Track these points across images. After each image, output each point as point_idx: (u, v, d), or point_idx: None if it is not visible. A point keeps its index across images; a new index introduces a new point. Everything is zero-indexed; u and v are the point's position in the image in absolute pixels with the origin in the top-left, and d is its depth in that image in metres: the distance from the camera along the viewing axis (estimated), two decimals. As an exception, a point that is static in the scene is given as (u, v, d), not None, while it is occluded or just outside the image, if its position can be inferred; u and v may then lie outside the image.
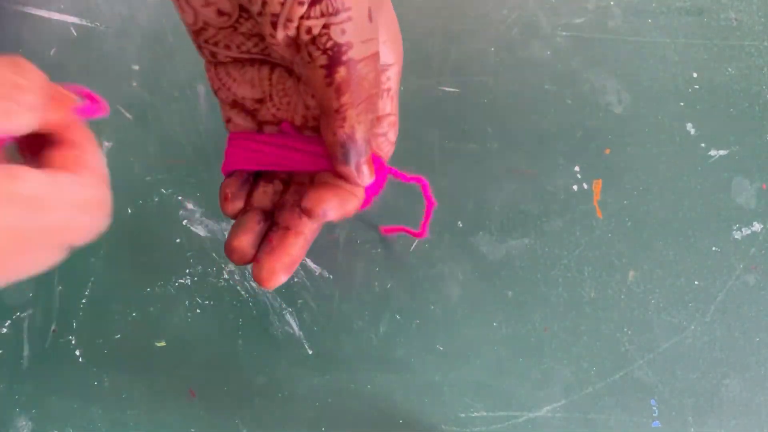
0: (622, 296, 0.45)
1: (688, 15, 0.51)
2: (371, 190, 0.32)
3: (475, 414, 0.43)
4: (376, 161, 0.31)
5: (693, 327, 0.45)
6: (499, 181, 0.47)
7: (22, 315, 0.45)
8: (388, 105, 0.29)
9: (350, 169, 0.28)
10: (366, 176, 0.28)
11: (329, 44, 0.25)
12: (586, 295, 0.45)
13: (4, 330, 0.45)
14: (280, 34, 0.26)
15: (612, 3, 0.51)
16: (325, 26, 0.25)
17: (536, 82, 0.49)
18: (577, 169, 0.47)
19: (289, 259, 0.30)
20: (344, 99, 0.26)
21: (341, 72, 0.26)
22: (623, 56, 0.50)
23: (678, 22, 0.50)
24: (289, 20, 0.25)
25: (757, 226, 0.47)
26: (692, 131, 0.48)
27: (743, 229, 0.47)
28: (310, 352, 0.44)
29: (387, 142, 0.31)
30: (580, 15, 0.51)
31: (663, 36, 0.50)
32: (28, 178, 0.23)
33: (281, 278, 0.30)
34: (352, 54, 0.25)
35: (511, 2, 0.51)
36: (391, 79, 0.28)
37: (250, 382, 0.44)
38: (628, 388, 0.44)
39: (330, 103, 0.27)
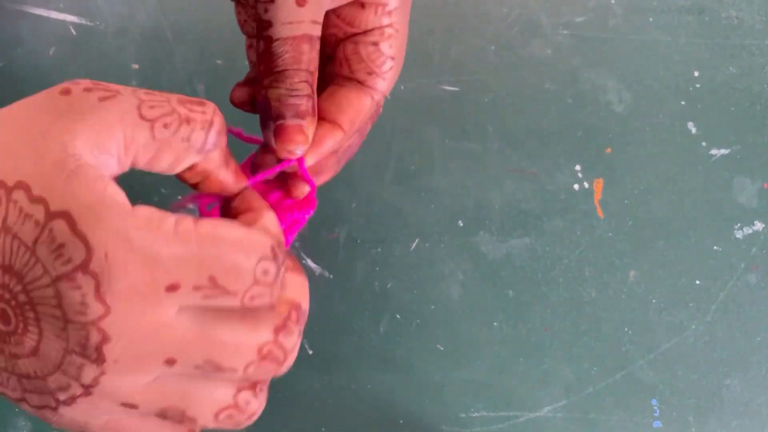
0: (623, 296, 0.45)
1: (689, 13, 0.50)
2: (301, 209, 0.33)
3: (475, 414, 0.43)
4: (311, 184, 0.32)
5: (694, 327, 0.45)
6: (499, 180, 0.47)
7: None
8: (381, 18, 0.31)
9: (268, 133, 0.30)
10: (283, 141, 0.30)
11: (256, 17, 0.29)
12: (587, 294, 0.45)
13: (4, 330, 0.45)
14: None
15: (613, 1, 0.51)
16: (255, 1, 0.28)
17: (537, 81, 0.49)
18: (577, 168, 0.47)
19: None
20: (261, 67, 0.30)
21: (260, 44, 0.29)
22: (624, 55, 0.50)
23: (679, 21, 0.50)
24: None
25: (758, 226, 0.46)
26: (693, 130, 0.48)
27: (744, 229, 0.46)
28: (310, 352, 0.44)
29: (378, 53, 0.32)
30: (581, 13, 0.50)
31: (664, 35, 0.50)
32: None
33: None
34: (270, 32, 0.29)
35: (512, 0, 0.51)
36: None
37: (250, 382, 0.44)
38: (628, 388, 0.44)
39: (256, 67, 0.30)
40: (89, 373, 0.22)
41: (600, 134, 0.48)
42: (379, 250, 0.46)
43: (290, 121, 0.30)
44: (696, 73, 0.49)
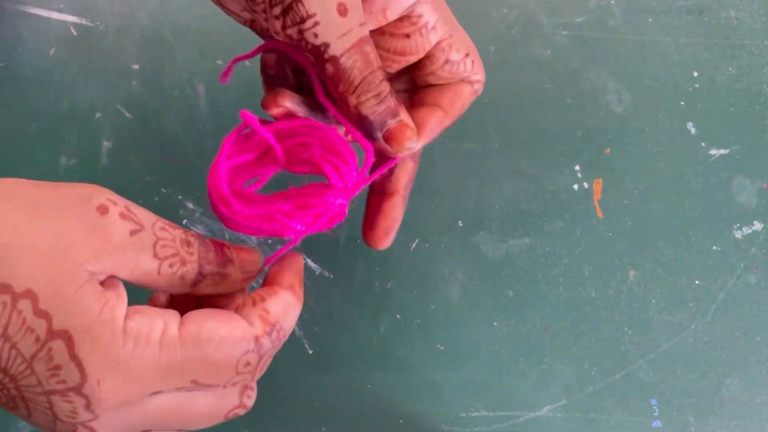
0: (623, 296, 0.45)
1: (689, 14, 0.51)
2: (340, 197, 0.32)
3: (476, 414, 0.43)
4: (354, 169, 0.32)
5: (694, 326, 0.45)
6: (499, 180, 0.47)
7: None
8: (431, 36, 0.31)
9: (379, 143, 0.31)
10: (397, 144, 0.31)
11: (309, 46, 0.28)
12: (587, 294, 0.45)
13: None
14: (280, 37, 0.29)
15: (612, 2, 0.51)
16: (300, 32, 0.28)
17: (536, 82, 0.49)
18: (577, 168, 0.47)
19: (389, 224, 0.34)
20: (340, 88, 0.29)
21: (328, 68, 0.29)
22: (624, 55, 0.50)
23: (678, 21, 0.50)
24: (275, 32, 0.28)
25: (757, 226, 0.46)
26: (693, 130, 0.48)
27: (744, 229, 0.46)
28: (310, 352, 0.44)
29: (454, 65, 0.32)
30: (581, 14, 0.50)
31: (663, 35, 0.50)
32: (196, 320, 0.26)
33: (386, 242, 0.34)
34: (331, 51, 0.28)
35: (512, 1, 0.51)
36: (423, 15, 0.31)
37: (250, 382, 0.44)
38: (628, 388, 0.44)
39: (332, 92, 0.30)
40: None
41: (599, 134, 0.48)
42: (379, 250, 0.46)
43: (393, 124, 0.31)
44: (695, 74, 0.49)
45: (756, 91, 0.49)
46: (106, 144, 0.48)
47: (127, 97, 0.49)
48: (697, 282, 0.46)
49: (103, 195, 0.25)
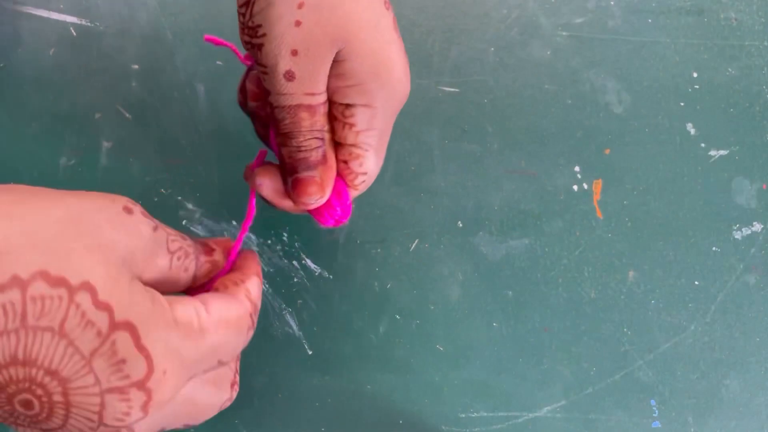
0: (622, 296, 0.45)
1: (689, 15, 0.51)
2: (334, 213, 0.34)
3: (475, 414, 0.43)
4: (340, 186, 0.34)
5: (693, 327, 0.45)
6: (499, 181, 0.47)
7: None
8: (350, 137, 0.32)
9: (287, 187, 0.33)
10: (298, 194, 0.32)
11: (260, 83, 0.32)
12: (586, 295, 0.45)
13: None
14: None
15: (612, 3, 0.51)
16: (262, 72, 0.30)
17: (536, 82, 0.49)
18: (577, 169, 0.47)
19: None
20: (272, 127, 0.32)
21: (266, 106, 0.32)
22: (623, 56, 0.50)
23: (678, 22, 0.50)
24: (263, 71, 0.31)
25: (757, 226, 0.47)
26: (692, 131, 0.48)
27: (743, 229, 0.46)
28: (310, 352, 0.44)
29: (349, 171, 0.33)
30: (580, 15, 0.51)
31: (663, 36, 0.50)
32: (183, 304, 0.25)
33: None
34: (270, 99, 0.31)
35: (511, 2, 0.51)
36: (356, 116, 0.32)
37: (250, 382, 0.44)
38: (628, 389, 0.44)
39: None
40: None
41: (599, 135, 0.48)
42: (379, 250, 0.46)
43: (302, 174, 0.32)
44: (695, 74, 0.49)
45: (755, 92, 0.49)
46: (105, 144, 0.48)
47: (127, 98, 0.49)
48: (696, 283, 0.46)
49: (123, 199, 0.26)
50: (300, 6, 0.29)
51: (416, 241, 0.46)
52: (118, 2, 0.50)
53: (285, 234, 0.46)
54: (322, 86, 0.31)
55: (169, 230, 0.28)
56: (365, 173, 0.33)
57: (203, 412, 0.27)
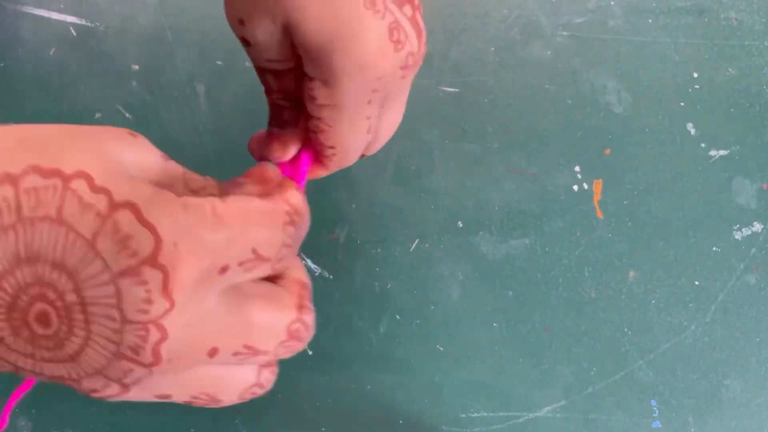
0: (623, 296, 0.45)
1: (689, 15, 0.51)
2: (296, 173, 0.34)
3: (475, 414, 0.43)
4: (304, 157, 0.34)
5: (693, 327, 0.45)
6: (499, 181, 0.47)
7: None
8: (314, 110, 0.32)
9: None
10: (264, 146, 0.33)
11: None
12: (587, 295, 0.45)
13: (4, 330, 0.45)
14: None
15: (612, 3, 0.51)
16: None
17: (536, 82, 0.49)
18: (577, 169, 0.47)
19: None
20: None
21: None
22: (624, 56, 0.50)
23: (678, 22, 0.50)
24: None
25: (757, 227, 0.47)
26: (693, 131, 0.48)
27: (744, 230, 0.46)
28: (310, 353, 0.44)
29: (318, 142, 0.33)
30: (581, 14, 0.51)
31: (663, 36, 0.50)
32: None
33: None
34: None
35: (512, 2, 0.51)
36: (314, 90, 0.31)
37: (250, 382, 0.44)
38: (628, 389, 0.44)
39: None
40: (136, 375, 0.22)
41: (599, 135, 0.48)
42: (379, 250, 0.46)
43: (272, 129, 0.33)
44: (695, 74, 0.49)
45: (756, 92, 0.49)
46: (106, 144, 0.48)
47: (127, 97, 0.49)
48: (696, 283, 0.46)
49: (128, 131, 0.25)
50: None
51: (416, 241, 0.46)
52: (118, 2, 0.50)
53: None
54: (279, 54, 0.30)
55: (187, 169, 0.25)
56: (333, 147, 0.32)
57: (259, 335, 0.24)
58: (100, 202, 0.20)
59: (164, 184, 0.23)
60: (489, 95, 0.49)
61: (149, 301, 0.20)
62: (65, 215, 0.20)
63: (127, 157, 0.22)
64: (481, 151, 0.48)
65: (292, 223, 0.25)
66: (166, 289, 0.20)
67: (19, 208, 0.20)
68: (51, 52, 0.49)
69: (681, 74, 0.49)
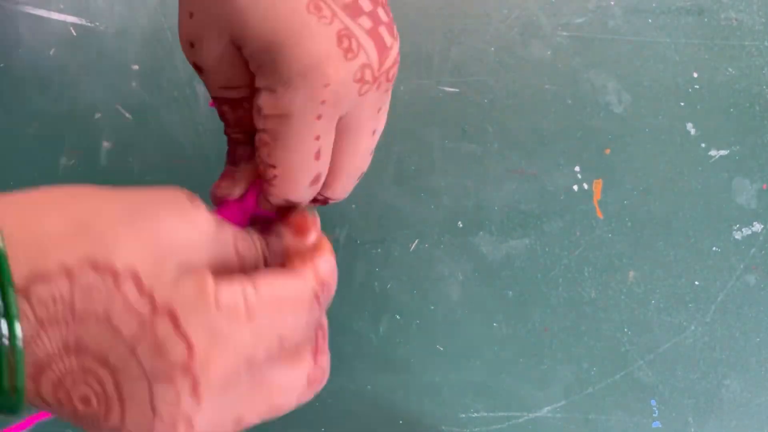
0: (623, 296, 0.45)
1: (689, 15, 0.51)
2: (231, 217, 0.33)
3: (475, 414, 0.43)
4: (249, 199, 0.33)
5: (693, 327, 0.45)
6: (499, 181, 0.47)
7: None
8: (259, 121, 0.30)
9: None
10: (216, 184, 0.33)
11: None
12: (587, 295, 0.45)
13: (4, 330, 0.45)
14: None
15: (612, 3, 0.51)
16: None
17: (536, 82, 0.49)
18: (577, 169, 0.47)
19: None
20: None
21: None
22: (623, 56, 0.50)
23: (678, 22, 0.50)
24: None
25: (757, 226, 0.47)
26: (692, 131, 0.48)
27: (744, 230, 0.46)
28: (310, 353, 0.44)
29: (260, 160, 0.31)
30: (581, 15, 0.51)
31: (663, 36, 0.50)
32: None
33: None
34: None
35: (512, 2, 0.51)
36: (261, 98, 0.29)
37: (249, 382, 0.44)
38: (628, 389, 0.44)
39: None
40: None
41: (599, 135, 0.48)
42: (379, 250, 0.46)
43: (227, 166, 0.32)
44: (695, 74, 0.49)
45: (756, 92, 0.49)
46: (105, 144, 0.48)
47: (127, 98, 0.49)
48: (696, 283, 0.46)
49: (186, 192, 0.26)
50: None
51: (416, 241, 0.46)
52: (118, 2, 0.50)
53: (285, 234, 0.46)
54: (234, 79, 0.30)
55: (237, 230, 0.27)
56: (273, 166, 0.30)
57: (281, 395, 0.26)
58: (144, 308, 0.22)
59: (217, 259, 0.25)
60: (489, 95, 0.49)
61: (178, 401, 0.22)
62: (112, 317, 0.22)
63: (181, 236, 0.24)
64: (481, 151, 0.48)
65: (318, 300, 0.27)
66: (195, 392, 0.22)
67: (72, 304, 0.22)
68: (51, 52, 0.49)
69: (681, 74, 0.49)
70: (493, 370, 0.44)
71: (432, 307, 0.45)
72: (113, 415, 0.23)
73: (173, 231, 0.24)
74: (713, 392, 0.44)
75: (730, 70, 0.49)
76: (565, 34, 0.50)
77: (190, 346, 0.22)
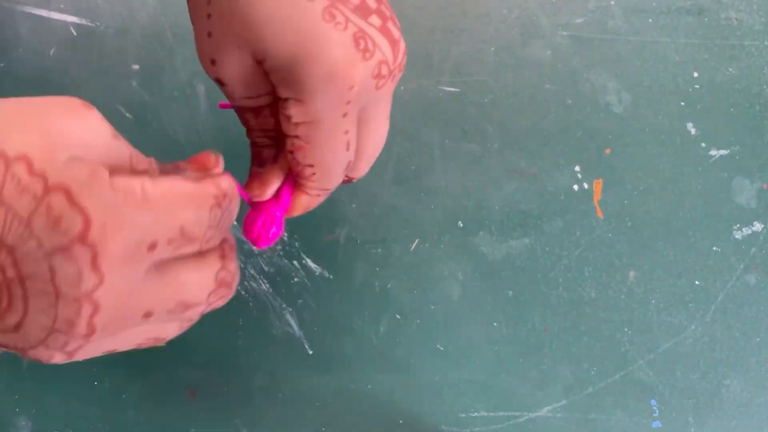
0: (623, 296, 0.45)
1: (689, 14, 0.51)
2: (258, 222, 0.34)
3: (475, 414, 0.43)
4: (281, 201, 0.34)
5: (693, 327, 0.45)
6: (499, 181, 0.47)
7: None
8: (290, 128, 0.32)
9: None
10: (246, 186, 0.34)
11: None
12: (587, 295, 0.45)
13: (4, 330, 0.45)
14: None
15: (612, 2, 0.51)
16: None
17: (536, 82, 0.49)
18: (577, 169, 0.47)
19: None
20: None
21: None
22: (623, 56, 0.50)
23: (678, 22, 0.50)
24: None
25: (757, 226, 0.47)
26: (693, 131, 0.48)
27: (744, 229, 0.46)
28: (310, 352, 0.44)
29: (296, 162, 0.33)
30: (581, 15, 0.51)
31: (663, 36, 0.50)
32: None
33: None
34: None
35: (512, 2, 0.51)
36: (290, 108, 0.31)
37: (250, 382, 0.44)
38: (628, 389, 0.44)
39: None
40: (75, 344, 0.24)
41: (599, 135, 0.48)
42: (379, 250, 0.46)
43: (253, 168, 0.34)
44: (695, 74, 0.49)
45: (756, 91, 0.49)
46: (106, 144, 0.48)
47: (127, 97, 0.49)
48: (696, 282, 0.46)
49: (80, 100, 0.26)
50: (208, 17, 0.30)
51: (416, 241, 0.46)
52: (118, 2, 0.50)
53: (285, 234, 0.46)
54: (255, 89, 0.31)
55: (135, 150, 0.27)
56: (311, 165, 0.33)
57: (189, 291, 0.26)
58: (36, 185, 0.22)
59: (107, 164, 0.25)
60: (489, 95, 0.49)
61: (80, 276, 0.22)
62: (5, 196, 0.22)
63: (74, 133, 0.24)
64: (481, 151, 0.48)
65: (219, 205, 0.27)
66: (95, 264, 0.22)
67: None
68: (51, 52, 0.49)
69: (681, 74, 0.49)
70: (493, 370, 0.44)
71: (432, 307, 0.45)
72: (16, 304, 0.23)
73: (65, 127, 0.24)
74: (713, 392, 0.44)
75: (730, 70, 0.49)
76: (565, 34, 0.50)
77: (86, 219, 0.22)
